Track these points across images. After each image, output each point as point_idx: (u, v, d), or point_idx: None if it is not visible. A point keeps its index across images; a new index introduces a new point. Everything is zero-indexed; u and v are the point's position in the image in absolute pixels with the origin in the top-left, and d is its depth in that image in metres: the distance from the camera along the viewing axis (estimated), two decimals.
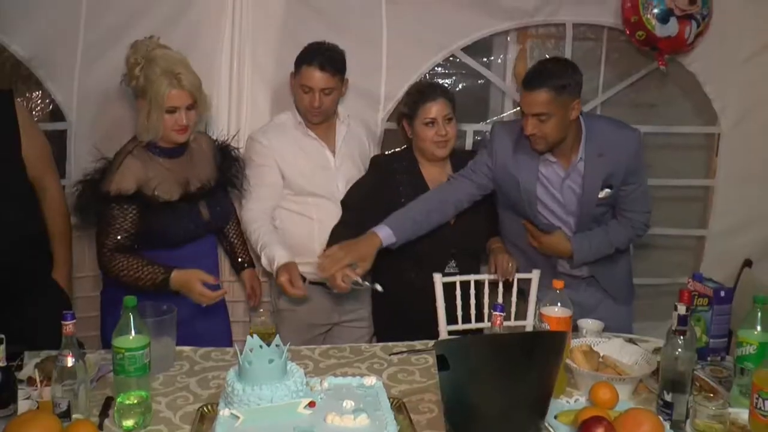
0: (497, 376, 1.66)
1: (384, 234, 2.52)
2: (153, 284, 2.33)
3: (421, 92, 2.75)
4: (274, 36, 2.88)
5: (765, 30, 3.14)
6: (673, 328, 1.97)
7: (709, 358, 2.30)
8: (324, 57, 2.61)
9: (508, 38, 3.20)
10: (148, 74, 2.33)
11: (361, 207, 2.71)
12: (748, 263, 3.27)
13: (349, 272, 2.44)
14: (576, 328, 2.37)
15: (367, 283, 2.53)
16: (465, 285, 2.73)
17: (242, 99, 2.94)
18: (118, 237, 2.35)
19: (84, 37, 2.70)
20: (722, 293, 2.41)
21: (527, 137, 2.51)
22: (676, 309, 2.00)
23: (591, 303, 2.75)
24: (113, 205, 2.34)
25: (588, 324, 2.49)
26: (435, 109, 2.68)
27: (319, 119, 2.70)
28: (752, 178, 3.26)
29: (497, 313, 1.99)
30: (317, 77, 2.60)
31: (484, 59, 3.21)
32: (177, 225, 2.43)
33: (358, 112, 2.95)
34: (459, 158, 2.82)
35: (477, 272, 2.85)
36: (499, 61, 3.25)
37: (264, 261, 2.60)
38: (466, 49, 3.09)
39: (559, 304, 2.15)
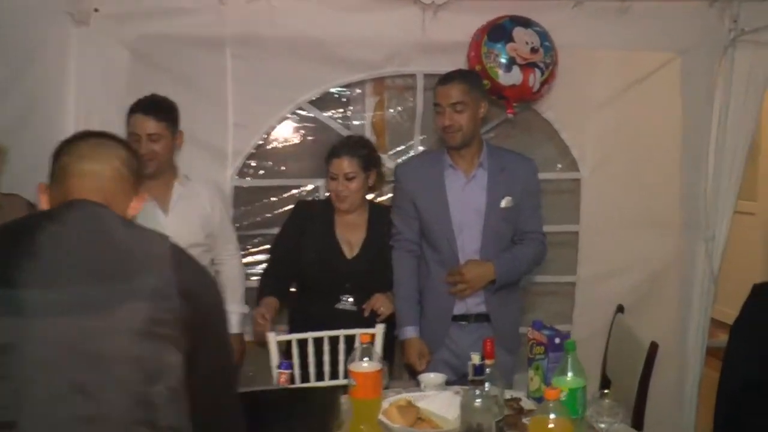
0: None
1: (412, 333, 2.75)
2: None
3: (334, 146, 2.85)
4: (121, 95, 2.85)
5: (616, 76, 3.18)
6: (470, 378, 1.93)
7: None
8: (149, 104, 2.64)
9: (366, 90, 3.21)
10: None
11: (279, 253, 2.89)
12: (620, 309, 3.22)
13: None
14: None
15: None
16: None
17: None
18: None
19: None
20: (557, 340, 2.38)
21: (443, 132, 2.72)
22: (470, 359, 1.96)
23: (478, 348, 2.72)
24: None
25: (429, 378, 2.44)
26: (337, 165, 2.79)
27: (152, 168, 2.62)
28: (615, 223, 3.24)
29: (281, 370, 1.94)
30: (143, 123, 2.61)
31: (342, 111, 3.21)
32: None
33: (206, 169, 2.93)
34: (376, 210, 2.94)
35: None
36: (355, 112, 3.26)
37: None
38: (321, 103, 3.11)
39: (366, 358, 2.10)
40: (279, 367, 1.96)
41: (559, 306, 3.38)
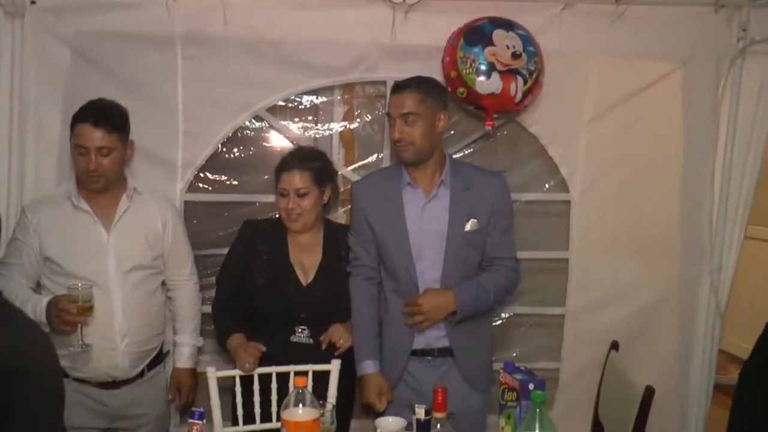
0: None
1: (372, 368, 2.46)
2: None
3: (283, 159, 2.56)
4: (60, 97, 2.62)
5: (610, 88, 2.86)
6: None
7: None
8: (98, 113, 2.38)
9: (334, 98, 2.91)
10: None
11: (229, 281, 2.59)
12: (615, 346, 2.89)
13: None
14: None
15: None
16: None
17: (25, 167, 2.65)
18: None
19: None
20: (531, 386, 2.08)
21: (395, 145, 2.47)
22: (414, 413, 1.65)
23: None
24: None
25: (387, 423, 2.13)
26: (287, 180, 2.52)
27: (100, 185, 2.40)
28: (608, 250, 2.92)
29: (192, 420, 1.64)
30: (91, 135, 2.35)
31: (308, 121, 2.91)
32: None
33: (152, 183, 2.65)
34: (333, 229, 2.64)
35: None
36: (322, 122, 2.94)
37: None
38: (285, 111, 2.84)
39: (301, 405, 1.81)
40: (190, 416, 1.65)
41: (546, 339, 3.05)
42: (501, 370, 2.17)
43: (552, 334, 3.02)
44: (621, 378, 2.67)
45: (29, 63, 2.61)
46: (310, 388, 2.35)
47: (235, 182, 2.84)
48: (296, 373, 2.26)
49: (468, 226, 2.45)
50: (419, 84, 2.44)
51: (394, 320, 2.48)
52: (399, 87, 2.45)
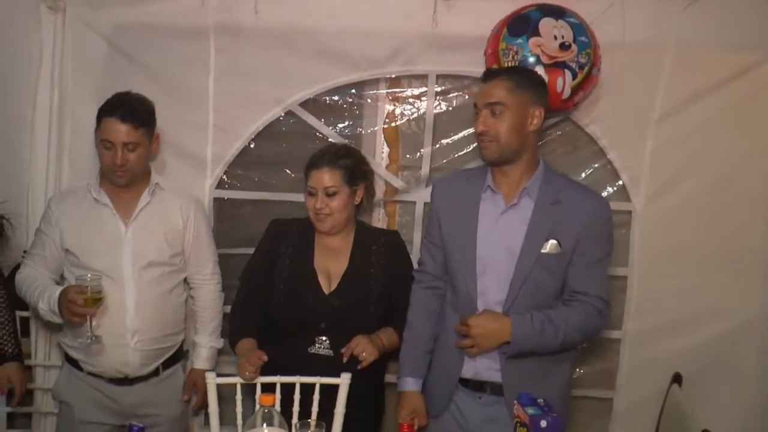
0: None
1: (410, 386, 2.30)
2: None
3: (313, 156, 2.44)
4: (95, 90, 2.60)
5: (683, 82, 2.53)
6: None
7: None
8: (126, 107, 2.33)
9: (377, 94, 2.71)
10: None
11: (251, 283, 2.48)
12: (677, 379, 2.55)
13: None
14: None
15: None
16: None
17: (63, 159, 2.68)
18: None
19: None
20: (543, 423, 1.83)
21: (477, 138, 2.19)
22: None
23: (490, 426, 2.18)
24: None
25: None
26: (315, 178, 2.38)
27: (125, 180, 2.37)
28: (675, 267, 2.60)
29: None
30: (118, 130, 2.31)
31: (350, 117, 2.75)
32: None
33: (180, 178, 2.61)
34: (364, 232, 2.48)
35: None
36: (366, 118, 2.77)
37: (44, 307, 2.30)
38: (322, 106, 2.70)
39: (266, 425, 1.67)
40: (129, 429, 1.55)
41: (600, 365, 2.75)
42: (515, 402, 1.93)
43: (607, 360, 2.73)
44: (681, 417, 2.35)
45: (68, 56, 2.63)
46: (316, 403, 2.24)
47: (267, 180, 2.74)
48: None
49: (547, 247, 2.13)
50: (512, 72, 2.19)
51: (447, 337, 2.24)
52: (490, 74, 2.19)
